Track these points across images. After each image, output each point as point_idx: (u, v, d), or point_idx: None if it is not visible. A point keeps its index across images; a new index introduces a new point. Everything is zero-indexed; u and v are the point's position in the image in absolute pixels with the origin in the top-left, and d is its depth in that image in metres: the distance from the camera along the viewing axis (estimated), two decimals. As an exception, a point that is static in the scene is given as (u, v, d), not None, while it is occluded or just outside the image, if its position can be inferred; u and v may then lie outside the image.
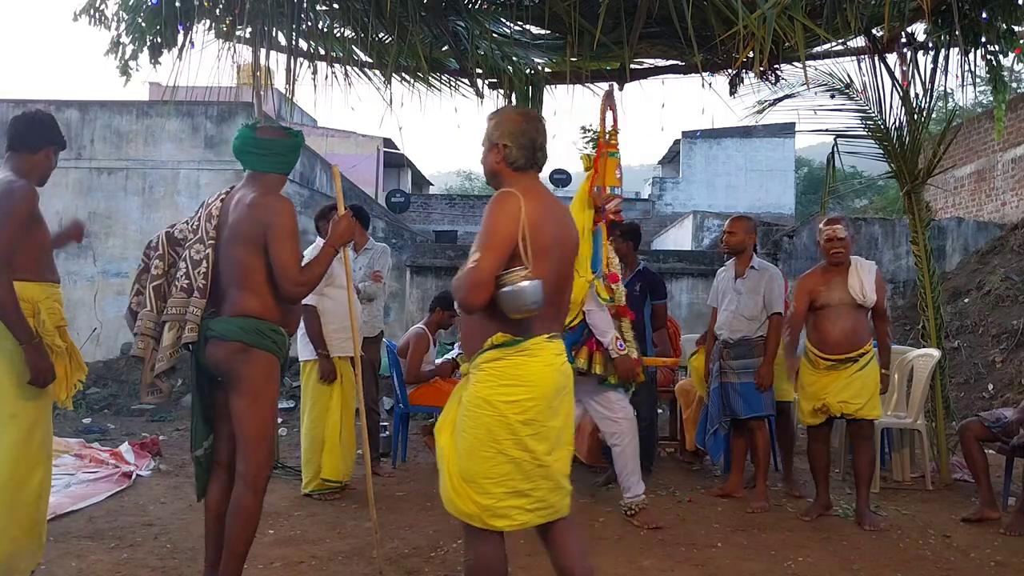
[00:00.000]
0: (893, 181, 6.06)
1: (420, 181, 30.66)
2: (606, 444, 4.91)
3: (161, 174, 10.37)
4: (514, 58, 5.73)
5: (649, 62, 5.90)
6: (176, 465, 5.54)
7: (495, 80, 5.86)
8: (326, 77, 5.60)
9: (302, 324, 4.61)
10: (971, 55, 4.92)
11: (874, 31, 5.25)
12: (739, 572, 3.51)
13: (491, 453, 2.27)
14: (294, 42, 5.25)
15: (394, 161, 26.26)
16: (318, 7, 5.25)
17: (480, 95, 5.96)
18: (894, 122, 5.58)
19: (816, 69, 5.74)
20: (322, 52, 5.55)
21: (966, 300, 9.53)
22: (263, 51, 5.20)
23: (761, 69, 4.96)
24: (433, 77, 5.91)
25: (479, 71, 5.79)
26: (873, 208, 23.11)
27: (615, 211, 4.31)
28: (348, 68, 5.56)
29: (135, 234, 10.03)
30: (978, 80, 5.13)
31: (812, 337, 4.44)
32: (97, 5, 4.93)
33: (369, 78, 5.85)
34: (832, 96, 5.83)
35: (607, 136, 4.50)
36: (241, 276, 2.78)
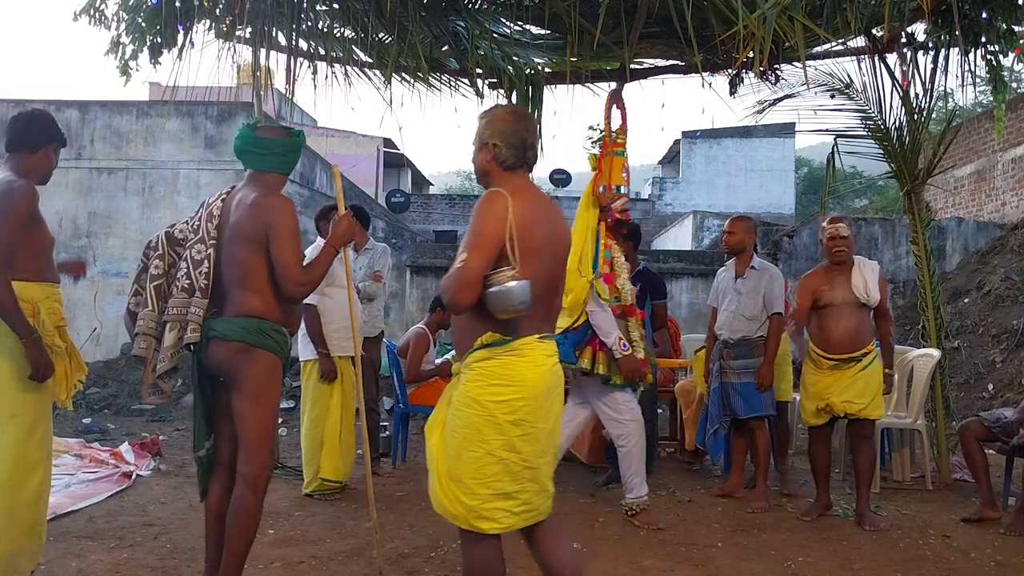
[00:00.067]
0: (893, 181, 6.06)
1: (420, 181, 30.66)
2: (607, 444, 4.92)
3: (161, 174, 10.37)
4: (514, 58, 5.73)
5: (649, 62, 5.90)
6: (176, 465, 5.54)
7: (495, 80, 5.85)
8: (326, 77, 5.60)
9: (303, 324, 4.62)
10: (971, 55, 4.92)
11: (874, 31, 5.25)
12: (739, 572, 3.51)
13: (479, 453, 2.27)
14: (294, 42, 5.24)
15: (394, 161, 26.26)
16: (318, 7, 5.24)
17: (480, 95, 5.95)
18: (894, 122, 5.58)
19: (816, 69, 5.74)
20: (322, 52, 5.55)
21: (966, 300, 9.53)
22: (263, 51, 5.20)
23: (761, 69, 4.96)
24: (433, 77, 5.91)
25: (479, 71, 5.79)
26: (873, 208, 23.11)
27: (621, 210, 4.30)
28: (348, 68, 5.56)
29: (135, 234, 10.04)
30: (978, 80, 5.13)
31: (815, 337, 4.44)
32: (97, 5, 4.93)
33: (369, 78, 5.84)
34: (832, 96, 5.83)
35: (614, 135, 4.49)
36: (243, 276, 2.78)
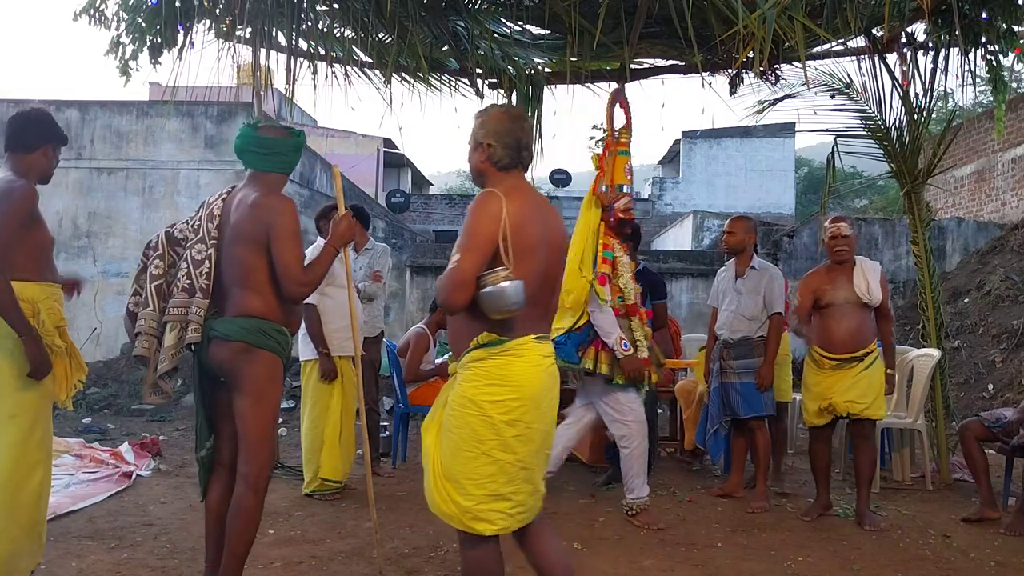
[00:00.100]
0: (893, 181, 6.06)
1: (420, 181, 30.66)
2: (607, 444, 4.92)
3: (161, 174, 10.37)
4: (514, 58, 5.73)
5: (649, 62, 5.90)
6: (176, 465, 5.54)
7: (495, 80, 5.86)
8: (326, 77, 5.60)
9: (303, 324, 4.62)
10: (971, 55, 4.92)
11: (874, 31, 5.25)
12: (739, 572, 3.51)
13: (474, 454, 2.26)
14: (294, 42, 5.25)
15: (394, 161, 26.26)
16: (318, 7, 5.25)
17: (480, 95, 5.96)
18: (894, 122, 5.58)
19: (816, 69, 5.74)
20: (322, 52, 5.55)
21: (966, 300, 9.53)
22: (263, 51, 5.20)
23: (761, 69, 4.96)
24: (433, 77, 5.91)
25: (479, 71, 5.79)
26: (873, 208, 23.10)
27: (624, 209, 4.29)
28: (348, 68, 5.56)
29: (135, 234, 10.04)
30: (978, 80, 5.13)
31: (817, 337, 4.43)
32: (97, 5, 4.94)
33: (369, 78, 5.85)
34: (832, 96, 5.83)
35: (617, 134, 4.49)
36: (243, 276, 2.78)
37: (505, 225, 2.25)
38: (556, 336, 4.26)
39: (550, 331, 2.48)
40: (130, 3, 4.84)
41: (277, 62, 7.17)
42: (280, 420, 6.14)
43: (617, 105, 4.60)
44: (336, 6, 5.18)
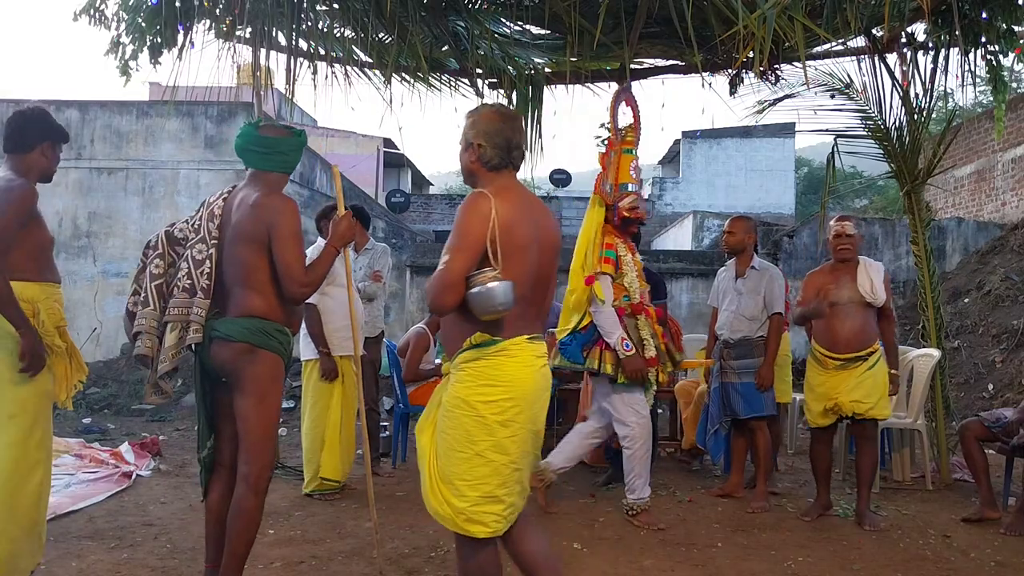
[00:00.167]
0: (893, 181, 6.06)
1: (420, 181, 30.65)
2: (608, 444, 4.92)
3: (161, 174, 10.37)
4: (514, 58, 5.72)
5: (649, 62, 5.90)
6: (176, 465, 5.54)
7: (495, 80, 5.86)
8: (326, 77, 5.60)
9: (303, 324, 4.62)
10: (971, 55, 4.92)
11: (874, 31, 5.25)
12: (739, 572, 3.51)
13: (468, 454, 2.26)
14: (294, 42, 5.24)
15: (394, 161, 26.25)
16: (318, 7, 5.24)
17: (480, 95, 5.96)
18: (894, 122, 5.58)
19: (816, 69, 5.74)
20: (322, 52, 5.55)
21: (966, 300, 9.53)
22: (263, 51, 5.20)
23: (761, 69, 4.96)
24: (433, 77, 5.91)
25: (479, 71, 5.79)
26: (873, 208, 23.09)
27: (629, 208, 4.28)
28: (348, 68, 5.56)
29: (135, 234, 10.04)
30: (978, 80, 5.13)
31: (821, 337, 4.43)
32: (97, 5, 4.93)
33: (369, 78, 5.85)
34: (832, 96, 5.83)
35: (622, 133, 4.48)
36: (245, 276, 2.78)
37: (494, 226, 2.24)
38: (562, 337, 4.28)
39: (543, 331, 2.47)
40: (130, 3, 4.83)
41: (277, 62, 7.18)
42: (280, 420, 6.14)
43: (623, 104, 4.60)
44: (336, 6, 5.18)
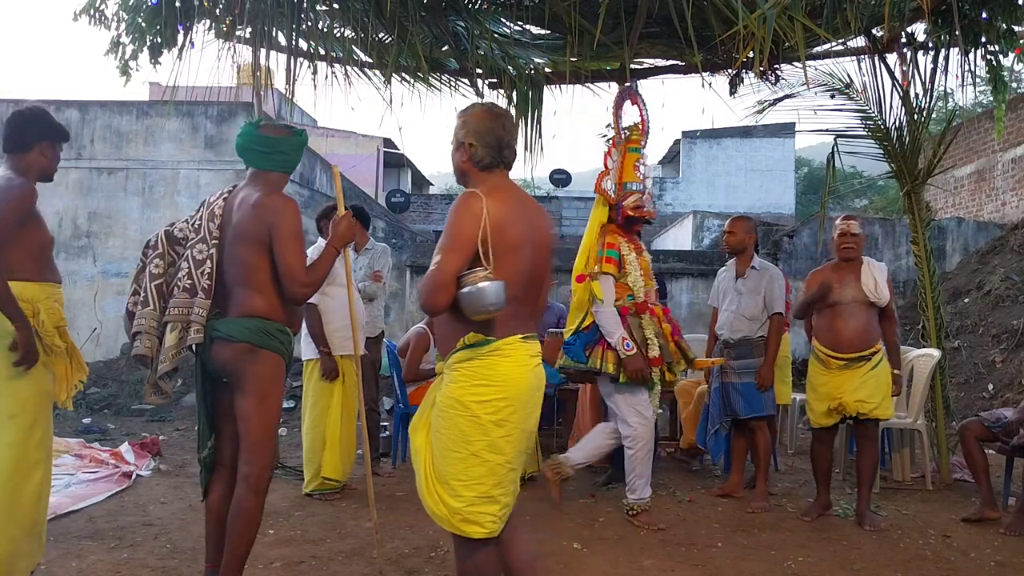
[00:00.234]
0: (893, 181, 6.06)
1: (420, 181, 30.64)
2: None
3: (161, 174, 10.37)
4: (514, 58, 5.73)
5: (649, 62, 5.90)
6: (176, 465, 5.54)
7: (495, 80, 5.86)
8: (326, 77, 5.60)
9: (303, 323, 4.62)
10: (971, 55, 4.92)
11: (874, 31, 5.25)
12: (739, 572, 3.51)
13: (464, 455, 2.26)
14: (294, 42, 5.24)
15: (394, 161, 26.24)
16: (318, 7, 5.24)
17: (480, 95, 5.96)
18: (894, 122, 5.58)
19: (816, 69, 5.74)
20: (322, 52, 5.55)
21: (966, 300, 9.53)
22: (263, 51, 5.20)
23: (761, 69, 4.96)
24: (433, 77, 5.91)
25: (479, 71, 5.79)
26: (873, 208, 23.10)
27: (634, 207, 4.28)
28: (348, 68, 5.56)
29: (135, 234, 10.04)
30: (978, 80, 5.13)
31: (824, 336, 4.42)
32: (97, 5, 4.94)
33: (369, 78, 5.85)
34: (832, 96, 5.82)
35: (627, 132, 4.48)
36: (246, 276, 2.78)
37: (486, 225, 2.23)
38: (566, 337, 4.30)
39: (537, 330, 2.47)
40: (130, 3, 4.83)
41: (277, 62, 7.18)
42: (280, 420, 6.15)
43: (629, 102, 4.60)
44: (336, 6, 5.18)
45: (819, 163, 26.11)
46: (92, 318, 9.91)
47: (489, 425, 2.25)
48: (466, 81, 6.00)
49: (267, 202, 2.77)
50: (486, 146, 2.38)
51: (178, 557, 3.55)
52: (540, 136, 5.86)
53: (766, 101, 5.96)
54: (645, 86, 5.98)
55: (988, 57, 4.97)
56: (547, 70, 6.02)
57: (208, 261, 2.80)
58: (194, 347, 2.81)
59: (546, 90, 5.95)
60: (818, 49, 5.50)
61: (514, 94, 5.79)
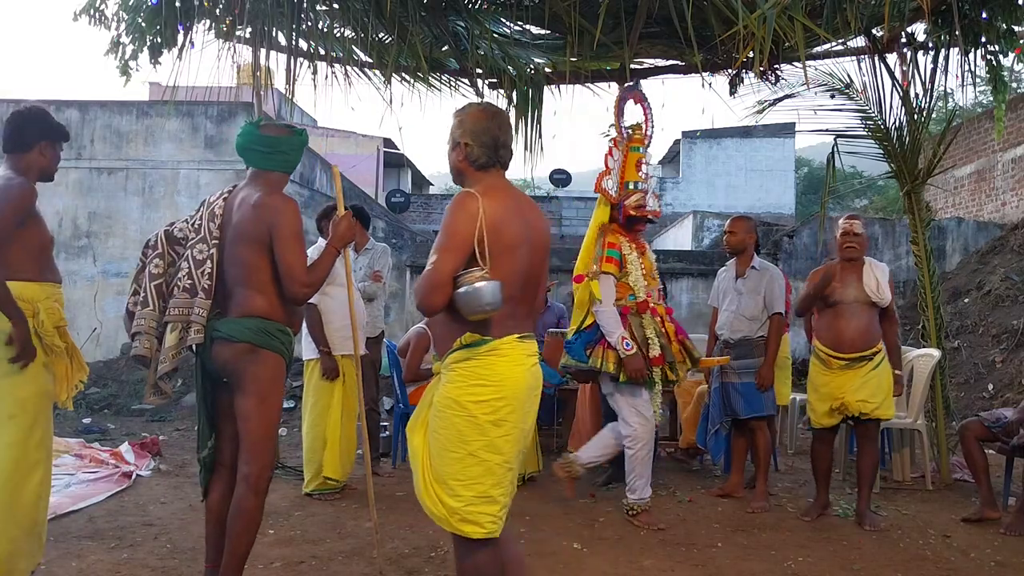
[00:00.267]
0: (893, 181, 6.06)
1: (420, 181, 30.64)
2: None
3: (161, 174, 10.37)
4: (514, 58, 5.73)
5: (649, 62, 5.90)
6: (176, 465, 5.54)
7: (495, 80, 5.86)
8: (326, 77, 5.60)
9: (305, 324, 4.63)
10: (971, 55, 4.92)
11: (874, 31, 5.25)
12: (739, 572, 3.51)
13: (461, 454, 2.25)
14: (294, 42, 5.25)
15: (394, 161, 26.24)
16: (318, 7, 5.25)
17: (480, 95, 5.96)
18: (894, 122, 5.58)
19: (816, 69, 5.74)
20: (322, 52, 5.55)
21: (966, 300, 9.53)
22: (263, 51, 5.20)
23: (761, 69, 4.96)
24: (433, 77, 5.91)
25: (479, 71, 5.79)
26: (873, 208, 23.10)
27: (635, 206, 4.28)
28: (348, 68, 5.56)
29: (135, 234, 10.04)
30: (978, 80, 5.13)
31: (825, 336, 4.42)
32: (97, 5, 4.94)
33: (369, 78, 5.85)
34: (832, 96, 5.82)
35: (629, 131, 4.48)
36: (246, 276, 2.77)
37: (482, 225, 2.23)
38: (569, 336, 4.31)
39: (534, 330, 2.47)
40: (130, 3, 4.83)
41: (277, 62, 7.19)
42: (280, 420, 6.14)
43: (632, 101, 4.61)
44: (336, 6, 5.18)
45: (819, 163, 26.10)
46: (92, 318, 9.91)
47: (487, 425, 2.25)
48: (466, 81, 6.00)
49: (267, 202, 2.77)
50: (482, 146, 2.38)
51: (178, 557, 3.55)
52: (540, 136, 5.87)
53: (766, 101, 5.96)
54: (645, 86, 5.98)
55: (988, 57, 4.97)
56: (547, 70, 6.02)
57: (208, 261, 2.80)
58: (194, 347, 2.80)
59: (546, 90, 5.95)
60: (818, 49, 5.50)
61: (514, 94, 5.79)
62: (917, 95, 5.43)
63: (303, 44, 5.43)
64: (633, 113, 4.57)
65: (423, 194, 28.44)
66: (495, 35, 5.42)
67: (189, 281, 2.79)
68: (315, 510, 4.45)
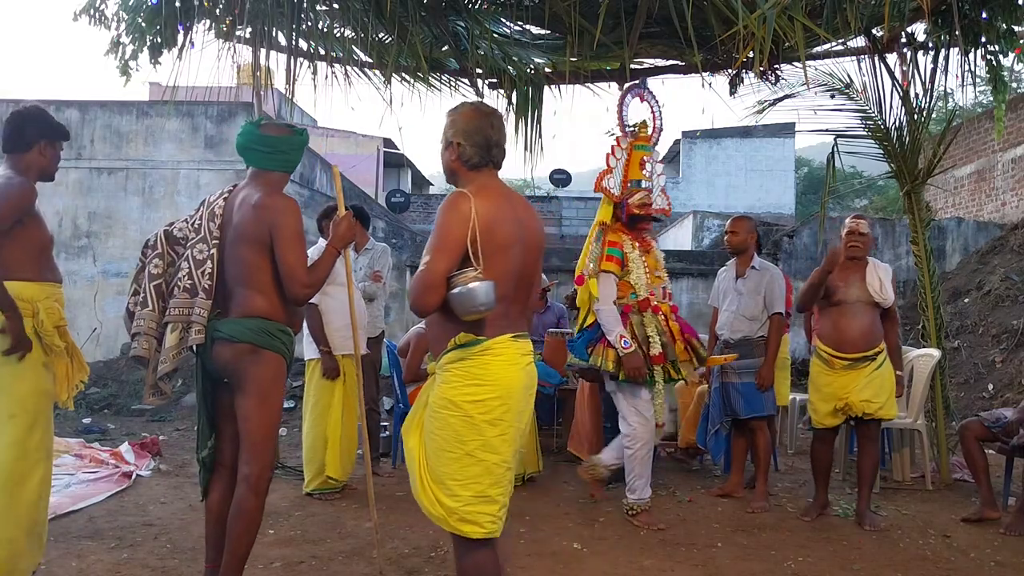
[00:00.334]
0: (893, 181, 6.06)
1: (420, 181, 30.64)
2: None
3: (161, 174, 10.37)
4: (514, 58, 5.72)
5: (649, 62, 5.90)
6: (176, 465, 5.54)
7: (495, 80, 5.86)
8: (326, 77, 5.60)
9: (306, 324, 4.63)
10: (971, 55, 4.92)
11: (874, 31, 5.25)
12: (739, 572, 3.51)
13: (458, 454, 2.26)
14: (294, 42, 5.24)
15: (394, 161, 26.25)
16: (318, 7, 5.24)
17: (480, 95, 5.95)
18: (894, 122, 5.58)
19: (816, 69, 5.74)
20: (322, 52, 5.55)
21: (966, 300, 9.53)
22: (263, 51, 5.20)
23: (761, 69, 4.96)
24: (433, 77, 5.91)
25: (479, 71, 5.79)
26: (873, 208, 23.11)
27: (639, 205, 4.28)
28: (348, 68, 5.56)
29: (135, 234, 10.04)
30: (978, 80, 5.13)
31: (828, 337, 4.42)
32: (97, 5, 4.93)
33: (369, 78, 5.85)
34: (832, 96, 5.83)
35: (634, 129, 4.48)
36: (247, 276, 2.77)
37: (474, 225, 2.23)
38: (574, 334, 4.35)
39: (528, 329, 2.47)
40: (130, 3, 4.83)
41: (277, 62, 7.19)
42: (281, 420, 6.14)
43: (638, 100, 4.61)
44: (336, 6, 5.18)
45: (819, 163, 26.10)
46: (92, 318, 9.91)
47: (483, 424, 2.25)
48: (466, 81, 6.00)
49: (268, 202, 2.76)
50: (474, 145, 2.38)
51: (178, 557, 3.55)
52: (540, 136, 5.87)
53: (766, 101, 5.96)
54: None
55: (988, 57, 4.97)
56: (547, 70, 6.01)
57: (209, 261, 2.80)
58: (195, 347, 2.80)
59: (546, 90, 5.95)
60: (818, 49, 5.50)
61: (514, 94, 5.79)
62: (917, 95, 5.43)
63: (303, 44, 5.43)
64: (639, 111, 4.58)
65: (423, 194, 28.43)
66: (495, 35, 5.41)
67: (189, 281, 2.78)
68: (315, 510, 4.45)
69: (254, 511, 2.75)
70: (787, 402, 5.74)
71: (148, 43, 4.92)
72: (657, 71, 5.88)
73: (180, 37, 4.99)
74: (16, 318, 2.79)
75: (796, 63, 5.29)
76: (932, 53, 5.31)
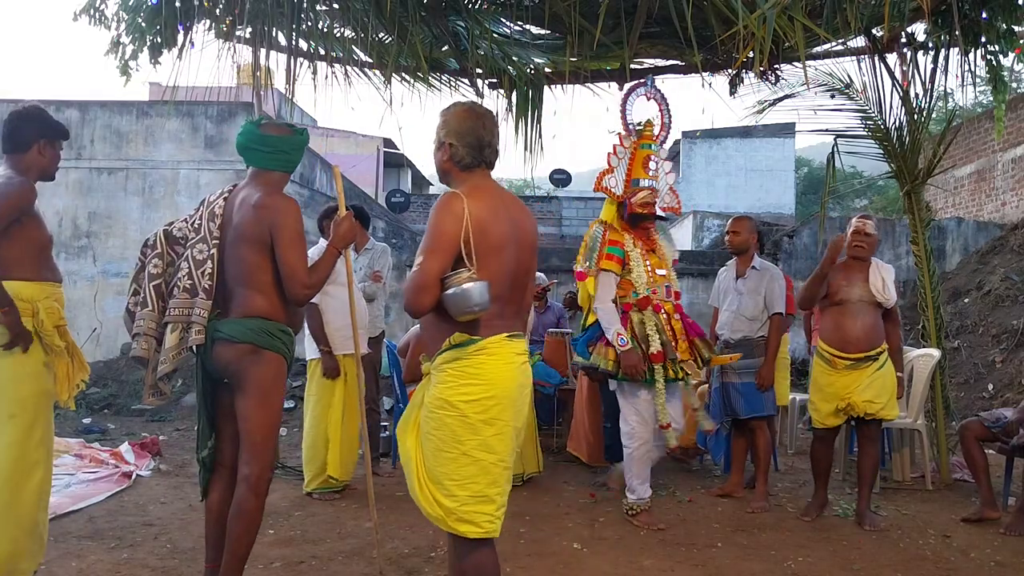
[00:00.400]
0: (893, 181, 6.06)
1: (420, 181, 30.64)
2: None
3: (161, 174, 10.37)
4: (514, 58, 5.73)
5: (649, 62, 5.90)
6: (176, 465, 5.54)
7: (495, 80, 5.86)
8: (326, 77, 5.60)
9: (306, 324, 4.63)
10: (971, 55, 4.92)
11: (874, 31, 5.25)
12: (739, 572, 3.51)
13: (455, 454, 2.25)
14: (294, 42, 5.25)
15: (394, 161, 26.25)
16: (318, 7, 5.24)
17: (480, 95, 5.96)
18: (894, 122, 5.58)
19: (816, 69, 5.74)
20: (322, 52, 5.55)
21: (966, 300, 9.53)
22: (263, 51, 5.20)
23: (761, 69, 4.96)
24: (433, 77, 5.91)
25: (479, 71, 5.79)
26: (873, 208, 23.11)
27: (641, 204, 4.28)
28: (348, 68, 5.56)
29: (135, 234, 10.04)
30: (978, 80, 5.13)
31: (830, 336, 4.41)
32: (97, 5, 4.93)
33: (369, 78, 5.85)
34: (832, 96, 5.82)
35: (639, 128, 4.48)
36: (247, 276, 2.77)
37: (467, 226, 2.23)
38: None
39: (524, 329, 2.47)
40: (130, 3, 4.83)
41: (277, 62, 7.18)
42: (281, 420, 6.14)
43: (645, 98, 4.61)
44: (336, 6, 5.18)
45: (819, 163, 26.10)
46: (92, 318, 9.91)
47: (479, 424, 2.25)
48: (466, 81, 6.00)
49: (268, 203, 2.76)
50: (467, 146, 2.38)
51: (178, 557, 3.55)
52: (540, 136, 5.87)
53: (766, 101, 5.96)
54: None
55: (988, 57, 4.97)
56: (547, 70, 6.02)
57: (209, 261, 2.80)
58: (195, 347, 2.80)
59: (546, 90, 5.95)
60: (818, 49, 5.50)
61: (514, 94, 5.79)
62: (917, 95, 5.43)
63: (303, 44, 5.43)
64: (645, 110, 4.58)
65: (423, 194, 28.41)
66: (495, 35, 5.41)
67: (189, 281, 2.78)
68: (315, 510, 4.45)
69: (254, 511, 2.75)
70: (787, 402, 5.74)
71: (148, 43, 4.92)
72: (657, 71, 5.88)
73: (180, 37, 4.99)
74: (12, 312, 2.79)
75: (796, 63, 5.29)
76: (932, 53, 5.31)
